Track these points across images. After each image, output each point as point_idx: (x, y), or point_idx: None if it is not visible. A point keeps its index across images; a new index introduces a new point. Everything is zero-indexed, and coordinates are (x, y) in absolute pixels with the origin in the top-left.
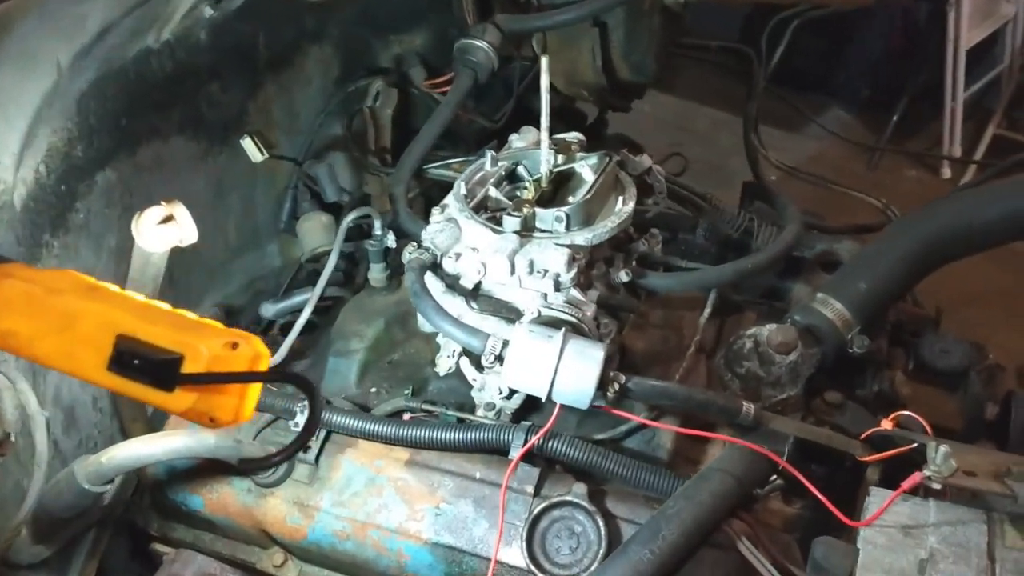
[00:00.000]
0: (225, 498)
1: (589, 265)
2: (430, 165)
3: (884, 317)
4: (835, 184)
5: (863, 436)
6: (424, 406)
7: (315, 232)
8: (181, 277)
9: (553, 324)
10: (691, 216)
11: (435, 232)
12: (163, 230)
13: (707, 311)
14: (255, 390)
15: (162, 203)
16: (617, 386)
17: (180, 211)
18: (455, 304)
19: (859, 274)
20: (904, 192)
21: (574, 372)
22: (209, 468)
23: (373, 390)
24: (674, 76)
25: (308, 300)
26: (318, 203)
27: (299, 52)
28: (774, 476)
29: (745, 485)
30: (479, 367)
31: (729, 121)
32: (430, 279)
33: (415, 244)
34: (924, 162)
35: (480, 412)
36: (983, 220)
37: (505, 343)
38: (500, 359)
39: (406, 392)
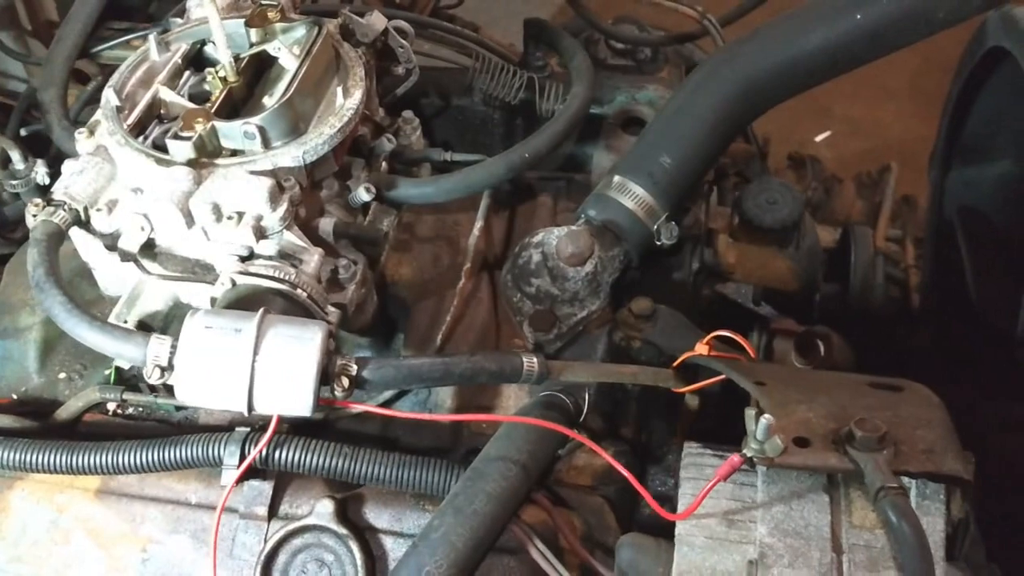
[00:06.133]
0: None
1: (315, 186)
2: (101, 46)
3: (698, 189)
4: None
5: (675, 365)
6: (128, 396)
7: None
8: None
9: (252, 299)
10: (461, 72)
11: (72, 177)
12: None
13: (479, 223)
14: None
15: None
16: (347, 381)
17: None
18: (127, 271)
19: (660, 143)
20: None
21: (281, 375)
22: None
23: (63, 376)
24: None
25: None
26: None
27: None
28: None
29: (532, 470)
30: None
31: None
32: (83, 241)
33: (41, 201)
34: None
35: None
36: (804, 53)
37: (174, 347)
38: (171, 369)
39: (107, 373)
